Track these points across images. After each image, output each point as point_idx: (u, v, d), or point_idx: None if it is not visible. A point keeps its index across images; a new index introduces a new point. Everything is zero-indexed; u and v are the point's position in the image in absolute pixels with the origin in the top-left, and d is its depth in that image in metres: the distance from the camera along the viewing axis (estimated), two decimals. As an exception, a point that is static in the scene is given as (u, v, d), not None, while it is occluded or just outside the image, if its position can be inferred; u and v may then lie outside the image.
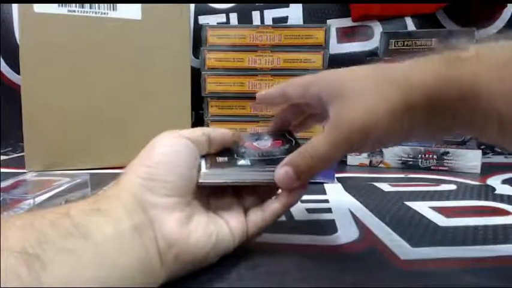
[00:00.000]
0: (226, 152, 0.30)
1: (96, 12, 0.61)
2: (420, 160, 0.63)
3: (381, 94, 0.24)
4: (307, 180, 0.28)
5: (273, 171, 0.28)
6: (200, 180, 0.26)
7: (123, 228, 0.21)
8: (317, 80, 0.28)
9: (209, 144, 0.28)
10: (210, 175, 0.27)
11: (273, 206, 0.28)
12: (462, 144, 0.63)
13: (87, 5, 0.60)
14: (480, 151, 0.61)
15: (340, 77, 0.27)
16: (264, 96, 0.32)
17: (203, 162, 0.28)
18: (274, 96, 0.32)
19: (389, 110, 0.23)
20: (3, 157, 0.72)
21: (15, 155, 0.75)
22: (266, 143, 0.32)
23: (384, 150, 0.65)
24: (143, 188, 0.24)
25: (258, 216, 0.28)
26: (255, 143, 0.32)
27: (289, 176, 0.27)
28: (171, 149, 0.25)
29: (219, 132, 0.29)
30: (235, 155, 0.30)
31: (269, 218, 0.28)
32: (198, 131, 0.28)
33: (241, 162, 0.29)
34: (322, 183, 0.52)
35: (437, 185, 0.52)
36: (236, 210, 0.28)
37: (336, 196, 0.46)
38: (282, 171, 0.27)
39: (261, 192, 0.29)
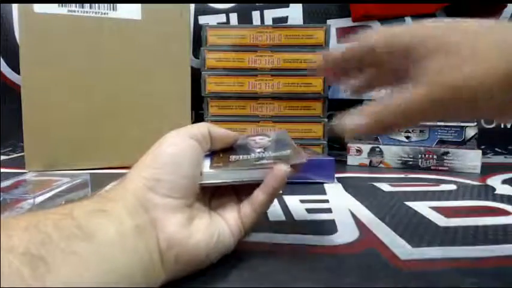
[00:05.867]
0: (228, 151, 0.30)
1: (96, 12, 0.61)
2: (420, 160, 0.63)
3: (501, 55, 0.21)
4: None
5: (271, 168, 0.28)
6: (201, 181, 0.27)
7: (125, 228, 0.21)
8: (410, 30, 0.25)
9: (212, 142, 0.28)
10: (211, 175, 0.27)
11: (258, 196, 0.27)
12: (462, 144, 0.63)
13: (87, 5, 0.60)
14: (480, 151, 0.61)
15: (445, 29, 0.23)
16: (335, 54, 0.28)
17: (205, 162, 0.28)
18: (352, 50, 0.27)
19: (509, 74, 0.21)
20: (3, 157, 0.72)
21: (16, 155, 0.75)
22: (266, 142, 0.32)
23: (383, 150, 0.65)
24: (147, 188, 0.24)
25: (249, 208, 0.28)
26: (254, 140, 0.32)
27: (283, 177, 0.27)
28: (178, 150, 0.25)
29: (221, 130, 0.29)
30: (236, 154, 0.30)
31: (258, 208, 0.27)
32: (204, 128, 0.28)
33: (242, 161, 0.29)
34: (322, 183, 0.52)
35: (437, 185, 0.52)
36: (235, 208, 0.28)
37: (336, 196, 0.46)
38: (281, 171, 0.27)
39: (257, 186, 0.29)
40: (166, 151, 0.25)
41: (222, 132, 0.29)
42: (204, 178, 0.27)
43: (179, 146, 0.25)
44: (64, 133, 0.61)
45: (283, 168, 0.27)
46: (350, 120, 0.25)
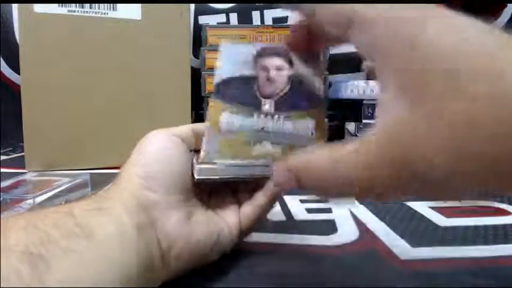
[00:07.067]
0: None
1: (96, 12, 0.61)
2: (420, 160, 0.63)
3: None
4: None
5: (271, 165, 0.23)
6: (196, 176, 0.26)
7: (125, 227, 0.21)
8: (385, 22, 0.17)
9: (196, 139, 0.28)
10: (204, 170, 0.26)
11: (260, 198, 0.27)
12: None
13: (87, 5, 0.60)
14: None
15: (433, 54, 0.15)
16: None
17: (195, 158, 0.27)
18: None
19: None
20: (3, 157, 0.72)
21: (15, 155, 0.75)
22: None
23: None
24: (142, 187, 0.24)
25: (249, 209, 0.27)
26: None
27: (291, 183, 0.20)
28: (162, 148, 0.25)
29: (202, 125, 0.29)
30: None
31: (258, 210, 0.27)
32: (185, 127, 0.28)
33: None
34: (322, 183, 0.52)
35: (437, 185, 0.52)
36: (233, 206, 0.28)
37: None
38: (282, 176, 0.21)
39: (256, 185, 0.28)
40: (150, 150, 0.25)
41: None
42: (198, 173, 0.26)
43: (161, 143, 0.26)
44: (64, 133, 0.61)
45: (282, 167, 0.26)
46: (280, 176, 0.21)
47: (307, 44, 0.23)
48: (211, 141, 0.25)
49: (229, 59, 0.25)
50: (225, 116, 0.24)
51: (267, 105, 0.23)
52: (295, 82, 0.24)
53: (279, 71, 0.24)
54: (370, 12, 0.17)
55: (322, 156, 0.18)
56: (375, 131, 0.16)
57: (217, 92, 0.25)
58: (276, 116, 0.24)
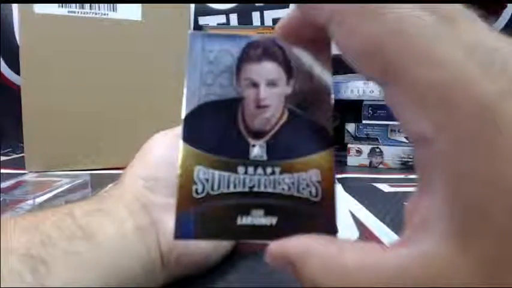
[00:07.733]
0: None
1: (96, 13, 0.61)
2: (420, 160, 0.63)
3: None
4: None
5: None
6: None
7: (126, 228, 0.21)
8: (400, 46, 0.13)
9: None
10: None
11: None
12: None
13: (87, 6, 0.60)
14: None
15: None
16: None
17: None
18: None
19: None
20: (3, 158, 0.72)
21: (16, 156, 0.75)
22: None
23: (383, 150, 0.65)
24: (145, 189, 0.24)
25: None
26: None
27: (280, 266, 0.15)
28: (168, 150, 0.25)
29: None
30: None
31: None
32: None
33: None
34: (322, 183, 0.52)
35: (437, 186, 0.52)
36: None
37: (336, 196, 0.46)
38: (278, 265, 0.15)
39: None
40: (154, 151, 0.25)
41: None
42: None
43: (166, 145, 0.26)
44: (64, 133, 0.61)
45: None
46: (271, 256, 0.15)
47: (310, 26, 0.15)
48: (183, 214, 0.16)
49: (201, 67, 0.17)
50: (201, 173, 0.16)
51: (257, 150, 0.16)
52: (295, 109, 0.16)
53: (273, 88, 0.16)
54: None
55: (323, 253, 0.14)
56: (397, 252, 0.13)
57: (188, 132, 0.17)
58: (270, 168, 0.16)
